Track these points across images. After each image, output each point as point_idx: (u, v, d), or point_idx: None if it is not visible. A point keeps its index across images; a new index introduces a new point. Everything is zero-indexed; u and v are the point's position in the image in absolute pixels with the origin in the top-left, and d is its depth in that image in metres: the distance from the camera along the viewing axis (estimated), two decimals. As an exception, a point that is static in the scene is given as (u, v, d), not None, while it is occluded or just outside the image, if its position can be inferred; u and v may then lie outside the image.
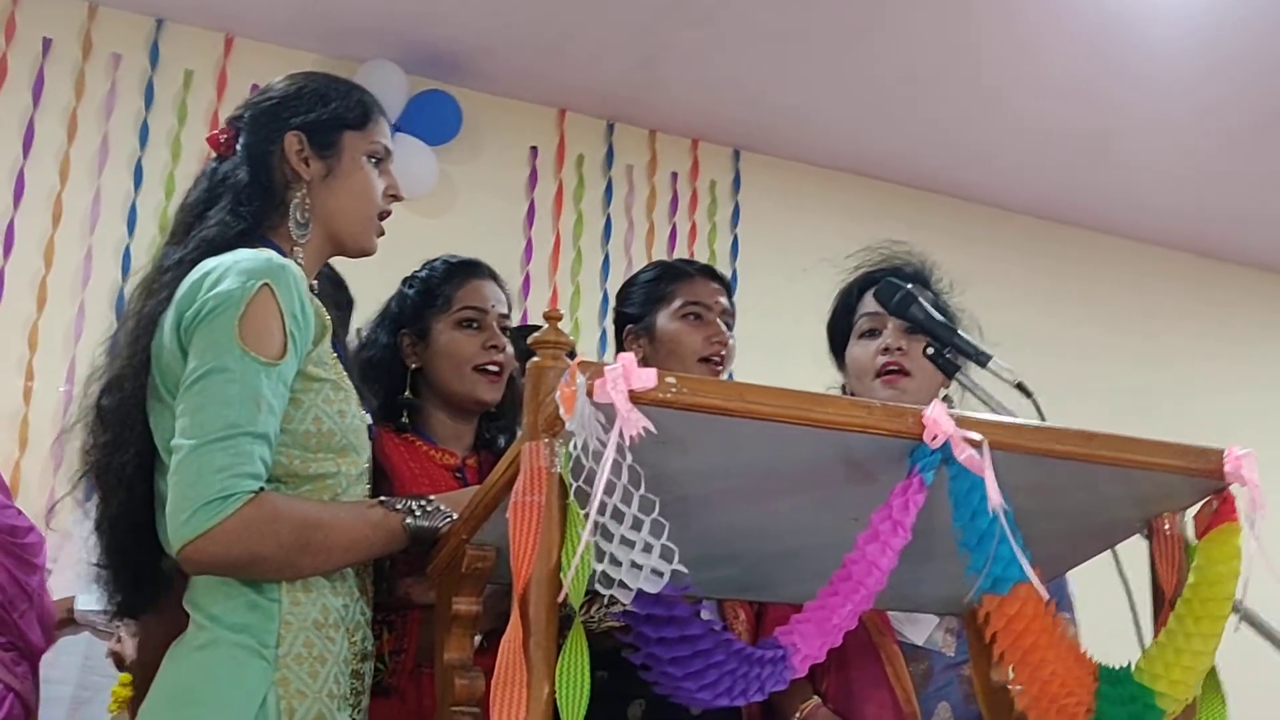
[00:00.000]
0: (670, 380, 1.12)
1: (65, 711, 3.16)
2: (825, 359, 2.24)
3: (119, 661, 2.98)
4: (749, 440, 1.20)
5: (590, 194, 4.80)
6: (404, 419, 2.07)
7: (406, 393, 2.09)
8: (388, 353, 2.11)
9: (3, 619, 2.62)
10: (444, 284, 2.14)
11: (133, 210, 4.11)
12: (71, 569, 3.05)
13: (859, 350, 2.12)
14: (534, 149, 4.76)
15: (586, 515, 1.08)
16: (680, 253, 4.81)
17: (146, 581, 1.59)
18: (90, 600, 2.84)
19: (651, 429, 1.07)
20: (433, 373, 2.09)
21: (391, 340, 2.12)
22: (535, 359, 1.20)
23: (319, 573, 1.49)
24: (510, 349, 2.13)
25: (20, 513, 2.72)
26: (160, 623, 1.60)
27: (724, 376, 2.41)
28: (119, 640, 2.98)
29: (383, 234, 1.72)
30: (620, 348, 2.27)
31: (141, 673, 1.69)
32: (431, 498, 1.55)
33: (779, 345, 3.86)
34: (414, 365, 2.10)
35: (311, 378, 1.51)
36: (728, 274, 4.83)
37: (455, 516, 1.49)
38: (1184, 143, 4.83)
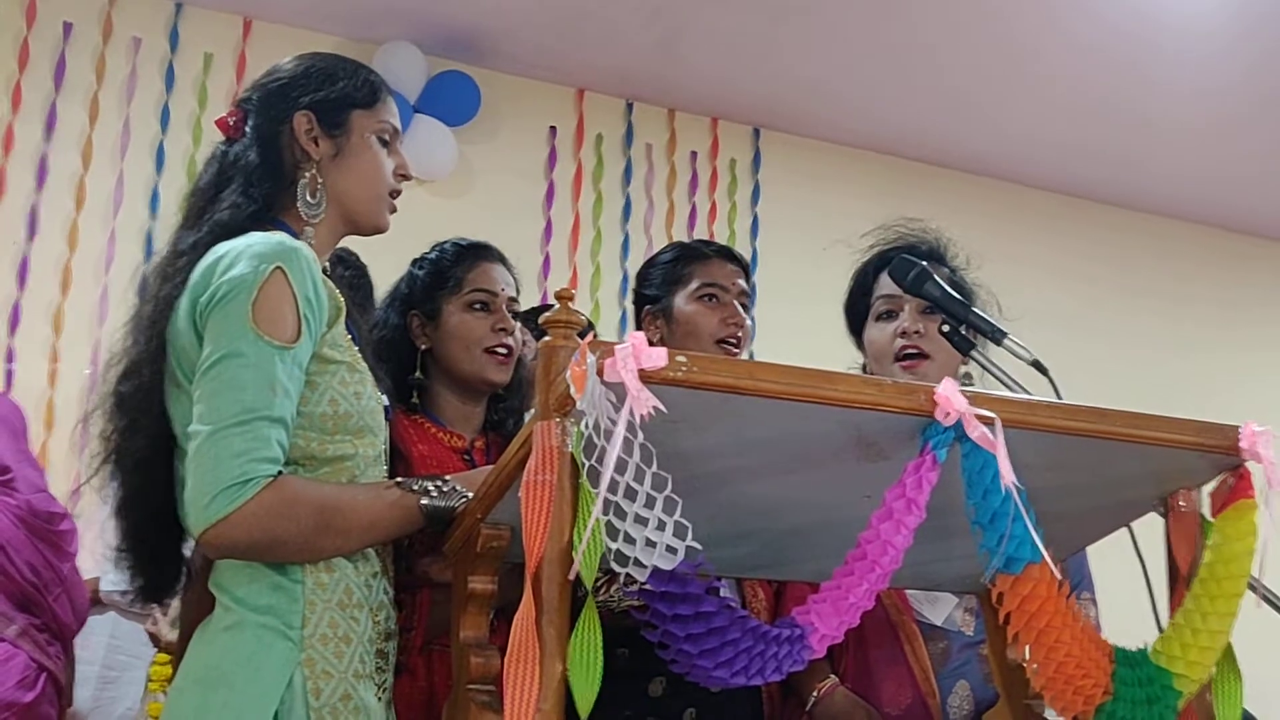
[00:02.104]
0: (680, 359, 1.12)
1: (92, 690, 3.20)
2: (847, 337, 2.23)
3: (155, 641, 3.01)
4: (760, 419, 1.20)
5: (609, 174, 4.80)
6: (414, 399, 2.07)
7: (417, 373, 2.09)
8: (397, 333, 2.11)
9: (37, 601, 2.66)
10: (454, 266, 2.14)
11: (155, 193, 4.14)
12: (96, 550, 3.09)
13: (876, 333, 2.11)
14: (553, 129, 4.75)
15: (598, 494, 1.08)
16: (700, 232, 4.80)
17: (167, 565, 1.61)
18: (115, 581, 2.87)
19: (662, 408, 1.07)
20: (442, 354, 2.10)
21: (401, 321, 2.13)
22: (547, 338, 1.20)
23: (339, 554, 1.50)
24: (518, 333, 2.13)
25: (55, 499, 2.75)
26: (200, 604, 1.62)
27: (744, 357, 2.40)
28: (154, 621, 3.02)
29: (395, 210, 1.72)
30: (640, 329, 2.26)
31: (184, 647, 1.71)
32: (448, 478, 1.56)
33: (800, 324, 3.85)
34: (423, 346, 2.11)
35: (326, 360, 1.51)
36: (748, 253, 4.83)
37: (471, 496, 1.49)
38: (1213, 115, 4.78)
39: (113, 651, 3.20)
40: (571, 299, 1.23)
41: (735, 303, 2.21)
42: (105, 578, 3.02)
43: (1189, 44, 4.34)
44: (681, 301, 2.21)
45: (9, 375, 3.87)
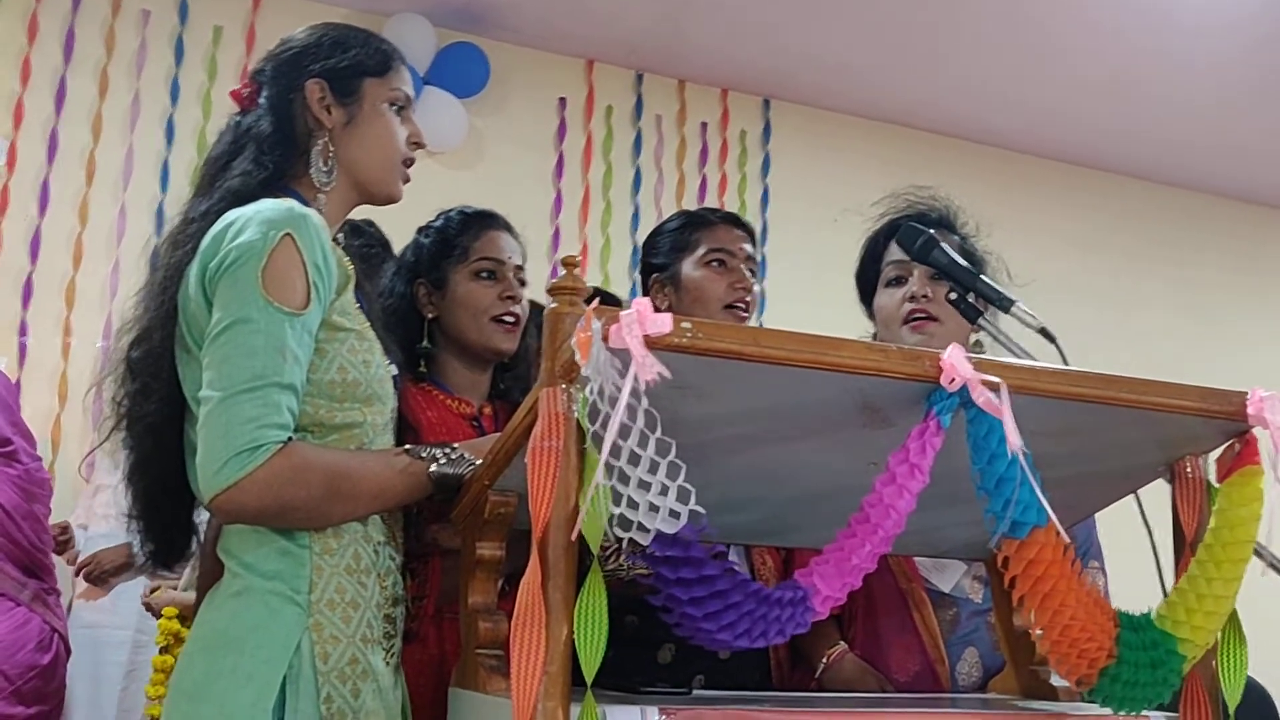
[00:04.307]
0: (685, 325, 1.11)
1: (127, 654, 3.25)
2: (858, 307, 2.23)
3: (153, 612, 3.04)
4: (765, 385, 1.20)
5: (619, 145, 4.79)
6: (421, 368, 2.08)
7: (424, 342, 2.10)
8: (404, 302, 2.12)
9: (43, 565, 2.71)
10: (461, 234, 2.14)
11: (165, 167, 4.15)
12: (110, 515, 3.13)
13: (885, 299, 2.11)
14: (562, 100, 4.74)
15: (602, 459, 1.08)
16: (710, 203, 4.80)
17: (178, 530, 1.62)
18: (146, 545, 2.91)
19: (666, 374, 1.07)
20: (450, 322, 2.10)
21: (407, 290, 2.13)
22: (552, 305, 1.20)
23: (348, 520, 1.51)
24: (525, 301, 2.14)
25: (42, 465, 2.82)
26: (213, 571, 1.63)
27: (753, 323, 2.40)
28: (149, 592, 3.04)
29: (408, 180, 1.73)
30: (648, 298, 2.26)
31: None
32: (455, 445, 1.56)
33: (810, 294, 3.86)
34: (430, 315, 2.11)
35: (336, 327, 1.52)
36: (758, 224, 4.83)
37: (479, 463, 1.50)
38: (1221, 85, 4.75)
39: (145, 616, 3.24)
40: (576, 265, 1.23)
41: (743, 268, 2.20)
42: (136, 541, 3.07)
43: (1199, 17, 4.31)
44: (689, 268, 2.21)
45: (22, 348, 3.89)
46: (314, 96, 1.65)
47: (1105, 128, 5.14)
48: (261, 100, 1.67)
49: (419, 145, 1.73)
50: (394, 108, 1.70)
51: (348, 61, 1.68)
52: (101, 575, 3.28)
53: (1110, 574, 2.06)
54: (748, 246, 2.25)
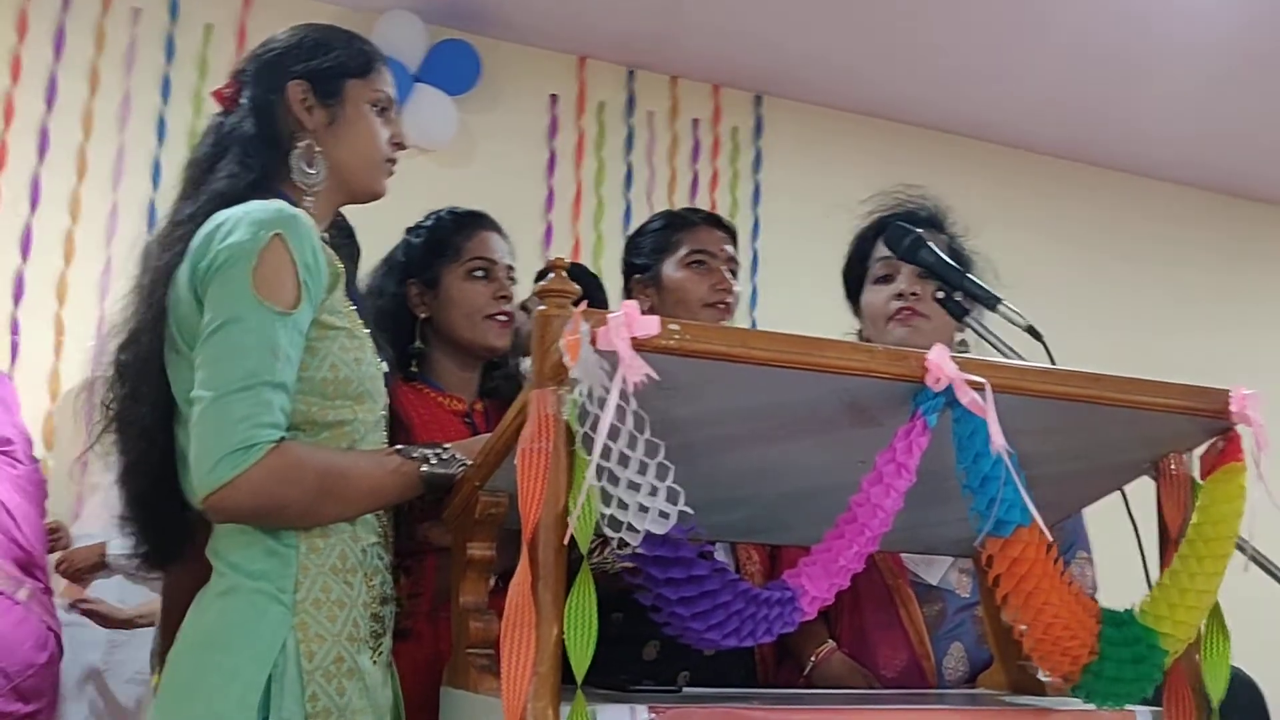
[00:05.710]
0: (673, 327, 1.13)
1: (101, 654, 3.24)
2: (847, 304, 2.25)
3: (104, 621, 3.04)
4: (752, 385, 1.21)
5: (611, 141, 4.79)
6: (413, 368, 2.09)
7: (417, 342, 2.11)
8: (395, 302, 2.13)
9: (40, 564, 2.72)
10: (453, 235, 2.15)
11: (157, 164, 4.14)
12: (101, 516, 3.12)
13: (873, 296, 2.12)
14: (554, 97, 4.74)
15: (592, 461, 1.09)
16: (702, 199, 4.80)
17: (171, 532, 1.62)
18: (121, 546, 2.91)
19: (654, 375, 1.09)
20: (443, 322, 2.11)
21: (399, 290, 2.14)
22: (541, 307, 1.21)
23: (340, 519, 1.51)
24: (516, 300, 2.15)
25: (39, 467, 2.83)
26: (184, 572, 1.64)
27: (746, 324, 2.41)
28: (86, 601, 3.04)
29: (391, 175, 1.73)
30: (630, 298, 2.28)
31: (165, 620, 1.74)
32: (447, 445, 1.57)
33: (801, 291, 3.85)
34: (423, 315, 2.13)
35: (326, 326, 1.52)
36: (749, 220, 4.84)
37: (470, 463, 1.51)
38: (1210, 78, 4.76)
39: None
40: (565, 267, 1.24)
41: (723, 269, 2.23)
42: (113, 542, 3.06)
43: (1190, 11, 4.32)
44: (670, 268, 2.24)
45: (14, 347, 3.89)
46: (296, 98, 1.65)
47: (1096, 122, 5.15)
48: (244, 101, 1.67)
49: (401, 146, 1.74)
50: (376, 108, 1.71)
51: (330, 62, 1.68)
52: (75, 574, 3.28)
53: (1097, 567, 2.08)
54: (729, 247, 2.27)
